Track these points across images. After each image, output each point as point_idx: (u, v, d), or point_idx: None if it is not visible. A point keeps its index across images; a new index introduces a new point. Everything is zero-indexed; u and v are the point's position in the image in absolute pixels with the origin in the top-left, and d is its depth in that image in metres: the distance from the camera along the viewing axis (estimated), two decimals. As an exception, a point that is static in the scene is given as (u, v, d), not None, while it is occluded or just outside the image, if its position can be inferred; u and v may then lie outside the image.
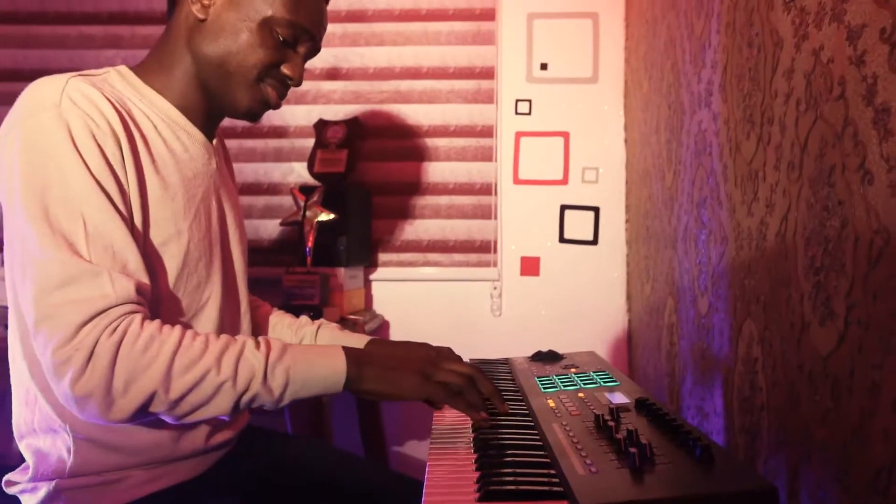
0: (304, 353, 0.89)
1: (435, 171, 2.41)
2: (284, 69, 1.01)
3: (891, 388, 0.73)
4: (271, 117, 2.37)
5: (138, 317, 0.82)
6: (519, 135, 2.41)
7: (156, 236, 0.93)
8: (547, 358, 1.38)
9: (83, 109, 0.86)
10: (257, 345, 0.87)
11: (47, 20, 2.42)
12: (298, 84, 1.04)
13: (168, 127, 0.98)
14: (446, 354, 1.05)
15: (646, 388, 1.17)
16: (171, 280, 0.95)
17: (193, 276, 0.99)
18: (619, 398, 1.03)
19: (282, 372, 0.86)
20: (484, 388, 0.95)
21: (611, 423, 0.87)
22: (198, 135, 1.02)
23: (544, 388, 1.13)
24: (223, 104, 1.03)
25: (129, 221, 0.88)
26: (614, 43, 2.39)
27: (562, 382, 1.16)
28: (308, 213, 1.96)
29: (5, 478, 1.00)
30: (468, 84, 2.40)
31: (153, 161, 0.94)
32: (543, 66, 2.40)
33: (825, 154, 0.89)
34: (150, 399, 0.80)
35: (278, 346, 0.88)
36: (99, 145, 0.86)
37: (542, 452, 0.83)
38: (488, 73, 2.40)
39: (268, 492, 1.10)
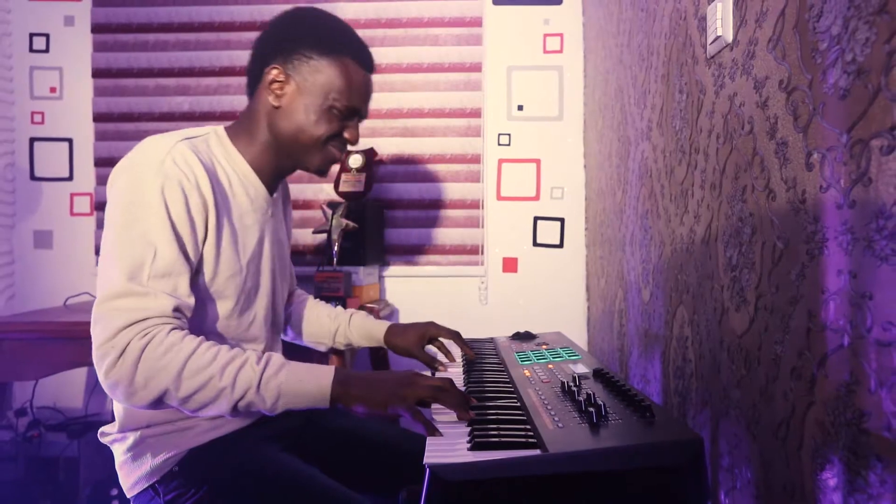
0: (298, 372, 0.84)
1: (434, 191, 2.41)
2: (345, 134, 1.03)
3: (789, 360, 0.75)
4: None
5: (167, 327, 0.82)
6: (501, 161, 2.42)
7: (225, 270, 0.95)
8: (523, 337, 1.39)
9: (180, 168, 0.88)
10: (259, 360, 0.84)
11: (132, 75, 2.43)
12: (356, 143, 1.05)
13: (241, 183, 1.00)
14: (422, 376, 0.93)
15: (601, 361, 1.18)
16: (232, 303, 0.97)
17: (247, 301, 1.00)
18: (581, 369, 1.04)
19: (275, 386, 0.82)
20: (455, 396, 0.85)
21: (574, 389, 0.88)
22: (262, 190, 1.03)
23: (521, 361, 1.14)
24: (298, 165, 1.04)
25: (190, 257, 0.88)
26: (575, 89, 2.39)
27: (535, 356, 1.16)
28: (334, 224, 1.96)
29: (100, 430, 1.01)
30: (460, 121, 2.40)
31: (228, 211, 0.96)
32: (520, 108, 2.41)
33: (739, 177, 0.90)
34: (164, 394, 0.80)
35: (277, 363, 0.84)
36: (185, 197, 0.87)
37: (519, 412, 0.84)
38: (476, 113, 2.40)
39: (302, 441, 1.11)
